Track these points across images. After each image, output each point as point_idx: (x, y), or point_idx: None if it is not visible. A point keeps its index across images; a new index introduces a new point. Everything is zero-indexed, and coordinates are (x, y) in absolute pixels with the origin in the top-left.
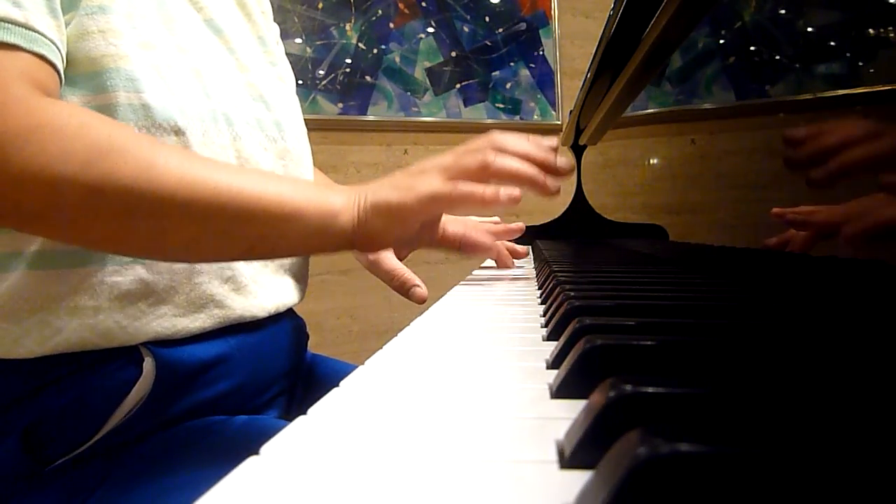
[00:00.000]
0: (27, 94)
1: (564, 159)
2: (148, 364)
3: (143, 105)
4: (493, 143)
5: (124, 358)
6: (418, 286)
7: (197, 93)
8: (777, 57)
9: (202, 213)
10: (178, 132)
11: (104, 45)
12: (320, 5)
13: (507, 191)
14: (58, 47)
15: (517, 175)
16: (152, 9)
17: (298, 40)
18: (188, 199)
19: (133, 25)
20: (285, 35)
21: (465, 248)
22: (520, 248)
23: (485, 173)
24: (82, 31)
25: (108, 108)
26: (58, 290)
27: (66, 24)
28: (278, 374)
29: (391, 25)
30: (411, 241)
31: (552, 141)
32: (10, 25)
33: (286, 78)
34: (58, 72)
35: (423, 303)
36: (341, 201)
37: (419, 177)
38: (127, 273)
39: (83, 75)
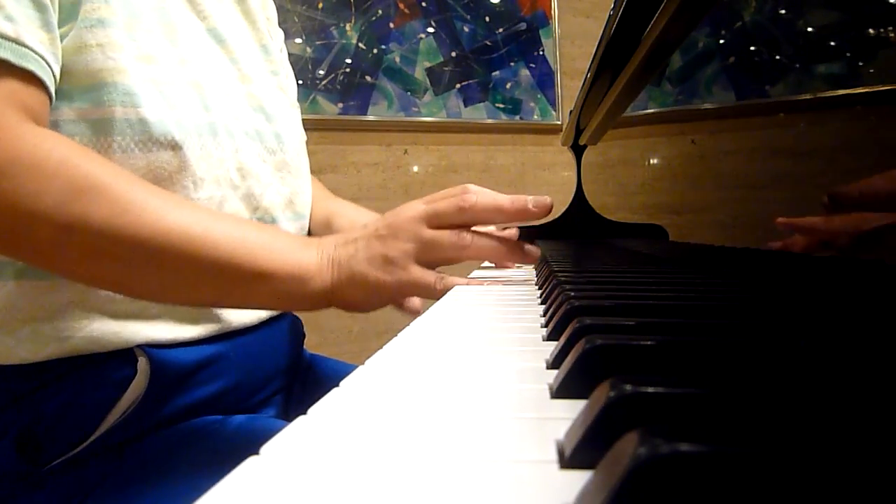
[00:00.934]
0: (13, 122)
1: (540, 199)
2: (142, 364)
3: (140, 120)
4: (464, 203)
5: (118, 359)
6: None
7: (195, 106)
8: (777, 57)
9: (172, 263)
10: (174, 147)
11: (102, 59)
12: (320, 5)
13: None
14: (49, 64)
15: (490, 255)
16: (154, 19)
17: (298, 40)
18: (159, 248)
19: (133, 38)
20: (285, 35)
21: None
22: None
23: (462, 252)
24: (81, 45)
25: (104, 122)
26: (50, 301)
27: (64, 37)
28: (274, 372)
29: (391, 25)
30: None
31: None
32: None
33: (287, 88)
34: (47, 90)
35: (417, 314)
36: (315, 265)
37: (395, 248)
38: None
39: (80, 88)
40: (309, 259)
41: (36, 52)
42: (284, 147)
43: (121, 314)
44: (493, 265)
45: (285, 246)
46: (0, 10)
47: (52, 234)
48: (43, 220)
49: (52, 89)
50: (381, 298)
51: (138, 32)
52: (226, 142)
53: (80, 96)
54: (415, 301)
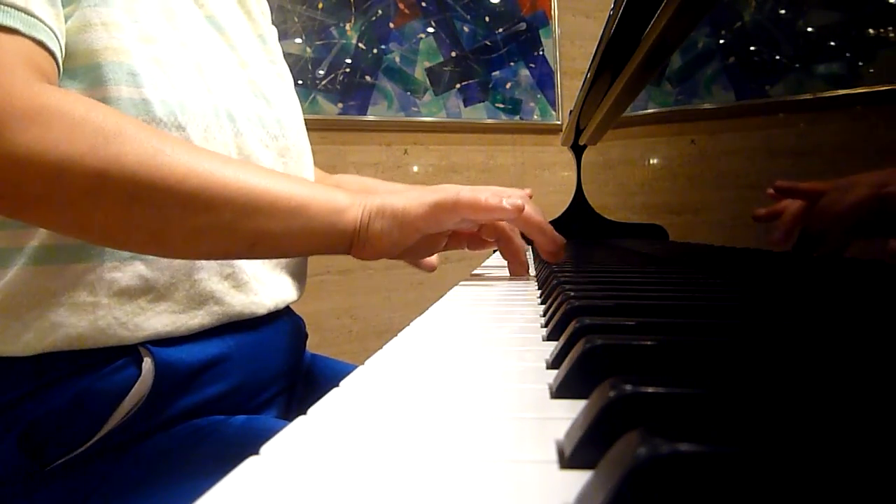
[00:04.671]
0: (31, 77)
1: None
2: (147, 364)
3: (143, 100)
4: (503, 191)
5: (123, 358)
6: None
7: (198, 88)
8: (777, 57)
9: (208, 203)
10: (178, 127)
11: (106, 38)
12: (320, 5)
13: (512, 200)
14: (56, 36)
15: (527, 220)
16: (154, 3)
17: (298, 40)
18: (195, 188)
19: (134, 19)
20: (285, 35)
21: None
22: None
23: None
24: (84, 23)
25: (108, 102)
26: (57, 286)
27: (69, 17)
28: (277, 373)
29: (391, 25)
30: (410, 249)
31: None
32: (9, 9)
33: (285, 76)
34: (56, 61)
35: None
36: (347, 201)
37: (430, 192)
38: (126, 269)
39: (84, 67)
40: (341, 196)
41: (45, 23)
42: (286, 132)
43: (126, 300)
44: (493, 264)
45: (317, 185)
46: None
47: (85, 179)
48: (76, 166)
49: (61, 63)
50: (403, 231)
51: (139, 14)
52: (227, 125)
53: (84, 76)
54: (431, 259)
